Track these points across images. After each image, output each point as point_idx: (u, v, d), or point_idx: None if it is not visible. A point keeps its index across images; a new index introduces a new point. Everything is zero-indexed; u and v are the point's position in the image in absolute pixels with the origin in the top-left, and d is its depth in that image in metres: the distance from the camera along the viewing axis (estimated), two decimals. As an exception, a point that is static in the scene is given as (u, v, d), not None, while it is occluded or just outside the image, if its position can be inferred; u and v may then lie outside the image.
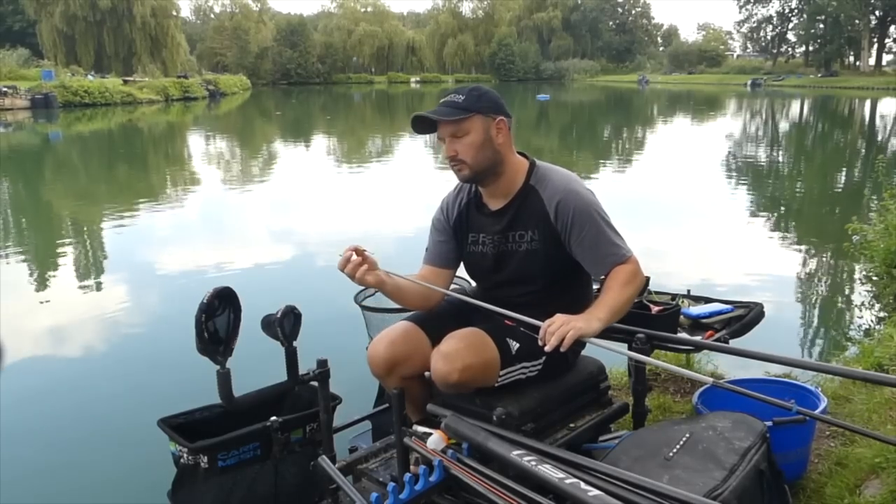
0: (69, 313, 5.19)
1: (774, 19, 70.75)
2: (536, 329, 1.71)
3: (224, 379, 1.87)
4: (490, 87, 2.05)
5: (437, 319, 1.98)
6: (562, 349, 1.66)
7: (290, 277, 5.98)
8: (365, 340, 2.49)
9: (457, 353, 1.78)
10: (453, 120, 1.85)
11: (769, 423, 1.77)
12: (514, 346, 1.88)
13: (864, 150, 16.69)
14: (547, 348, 1.67)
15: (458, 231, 2.05)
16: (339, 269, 1.84)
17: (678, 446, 1.61)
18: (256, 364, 2.26)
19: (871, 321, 4.64)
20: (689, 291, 2.59)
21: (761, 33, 73.95)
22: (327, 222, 8.34)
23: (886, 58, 64.42)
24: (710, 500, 1.39)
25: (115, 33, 50.87)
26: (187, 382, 3.09)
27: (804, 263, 6.57)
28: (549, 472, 1.44)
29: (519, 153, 1.99)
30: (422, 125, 1.90)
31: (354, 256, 1.82)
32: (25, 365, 4.10)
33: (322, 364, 1.92)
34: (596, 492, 1.36)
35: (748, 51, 79.36)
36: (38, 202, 10.80)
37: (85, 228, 8.58)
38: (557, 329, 1.67)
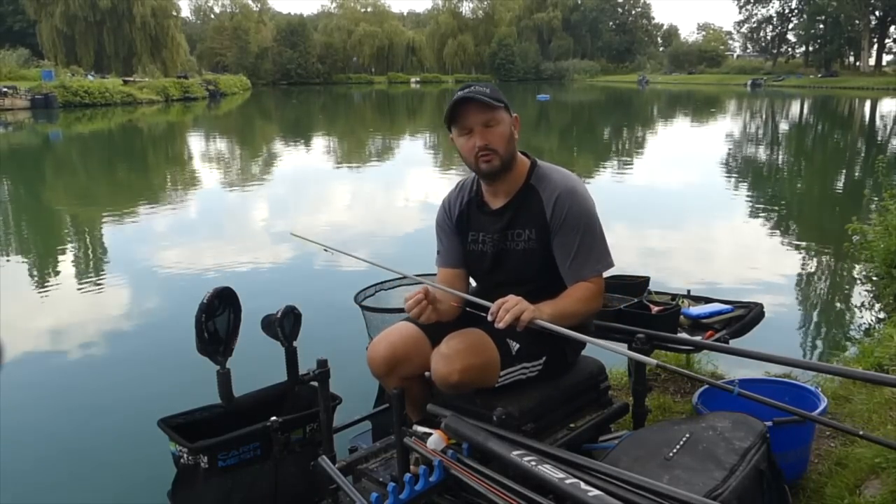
0: (69, 313, 5.19)
1: (774, 19, 70.85)
2: (485, 309, 1.71)
3: (224, 379, 1.87)
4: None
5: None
6: (518, 328, 1.67)
7: (290, 277, 5.98)
8: (365, 340, 2.49)
9: (457, 353, 1.77)
10: (495, 105, 1.86)
11: (769, 424, 1.77)
12: (515, 346, 1.88)
13: (864, 151, 16.68)
14: (500, 325, 1.66)
15: (460, 229, 2.06)
16: (406, 311, 1.83)
17: (678, 446, 1.61)
18: (256, 364, 2.26)
19: (871, 321, 4.64)
20: (689, 291, 2.59)
21: (761, 33, 74.03)
22: (327, 222, 8.34)
23: (886, 58, 64.55)
24: (710, 500, 1.39)
25: (115, 33, 50.84)
26: (187, 382, 3.09)
27: (804, 263, 6.57)
28: (549, 472, 1.44)
29: (520, 152, 2.00)
30: (452, 113, 1.88)
31: (424, 301, 1.81)
32: (25, 365, 4.10)
33: (322, 364, 1.92)
34: (596, 492, 1.36)
35: (748, 51, 79.38)
36: (39, 202, 10.80)
37: (85, 228, 8.58)
38: (513, 307, 1.67)
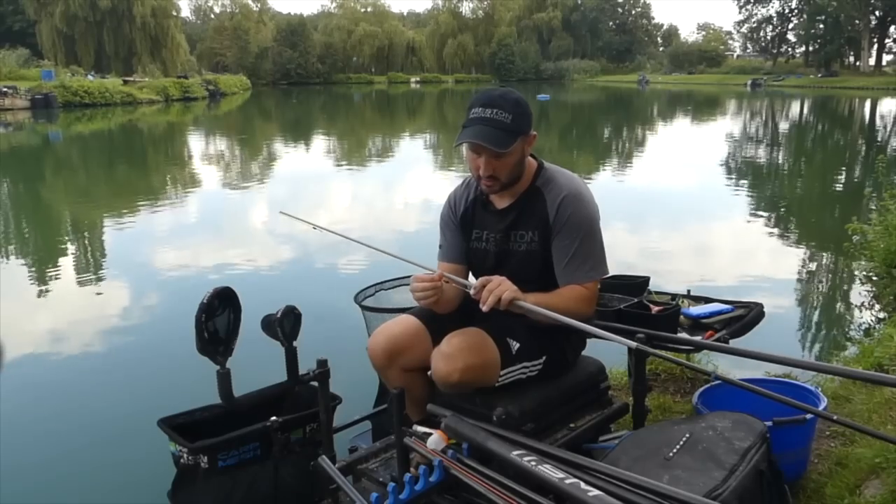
0: (69, 313, 5.19)
1: (774, 19, 70.83)
2: (475, 299, 1.72)
3: (224, 379, 1.87)
4: (490, 87, 2.05)
5: (438, 316, 1.98)
6: (500, 307, 1.67)
7: (290, 277, 5.97)
8: (365, 340, 2.49)
9: (458, 353, 1.78)
10: (507, 152, 1.80)
11: (769, 423, 1.77)
12: (515, 345, 1.88)
13: (864, 151, 16.67)
14: (484, 308, 1.67)
15: (464, 226, 2.06)
16: (412, 291, 1.83)
17: (678, 446, 1.61)
18: (256, 364, 2.26)
19: (871, 321, 4.63)
20: (689, 291, 2.59)
21: (761, 33, 74.00)
22: (326, 222, 8.34)
23: (886, 58, 64.48)
24: (710, 500, 1.39)
25: (115, 33, 50.82)
26: (187, 382, 3.09)
27: (804, 263, 6.56)
28: (549, 472, 1.44)
29: None
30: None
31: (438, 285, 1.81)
32: (25, 365, 4.10)
33: (322, 364, 1.92)
34: (596, 492, 1.36)
35: (748, 51, 79.33)
36: (38, 202, 10.80)
37: (85, 229, 8.58)
38: (496, 288, 1.68)
